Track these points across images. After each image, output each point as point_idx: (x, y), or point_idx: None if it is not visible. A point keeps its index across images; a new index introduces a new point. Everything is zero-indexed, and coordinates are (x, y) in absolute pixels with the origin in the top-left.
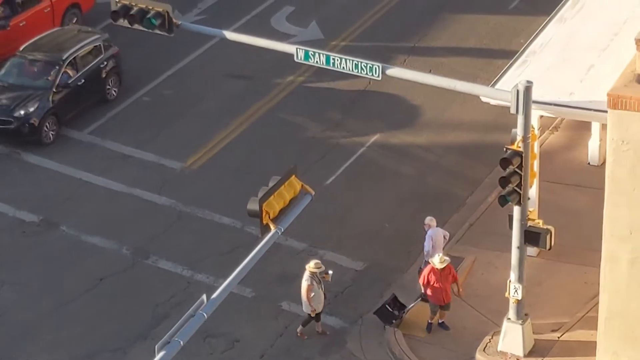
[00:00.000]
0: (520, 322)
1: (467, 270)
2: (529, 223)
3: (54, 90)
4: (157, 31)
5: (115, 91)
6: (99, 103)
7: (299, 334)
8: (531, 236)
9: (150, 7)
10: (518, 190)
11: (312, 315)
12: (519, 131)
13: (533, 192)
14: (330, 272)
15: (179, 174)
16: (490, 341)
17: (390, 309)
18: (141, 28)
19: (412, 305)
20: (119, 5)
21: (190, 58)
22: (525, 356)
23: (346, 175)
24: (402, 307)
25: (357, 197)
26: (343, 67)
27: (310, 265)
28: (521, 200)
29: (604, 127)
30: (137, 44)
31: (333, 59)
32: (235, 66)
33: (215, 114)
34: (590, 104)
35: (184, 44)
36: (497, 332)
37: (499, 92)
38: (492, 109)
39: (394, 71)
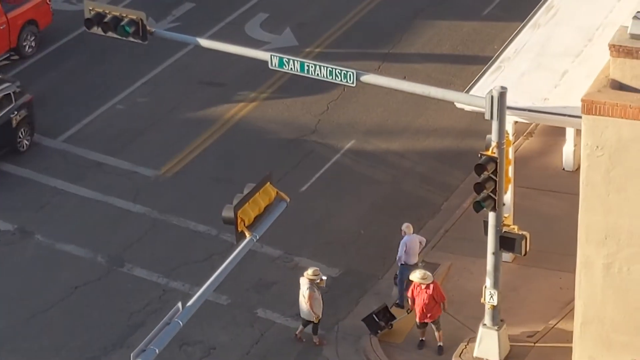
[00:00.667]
0: (496, 327)
1: (442, 277)
2: (504, 229)
3: None
4: (131, 39)
5: (27, 141)
6: (9, 154)
7: (317, 343)
8: (506, 242)
9: (124, 15)
10: (493, 196)
11: (317, 321)
12: (493, 137)
13: (508, 197)
14: (324, 277)
15: (154, 182)
16: (466, 347)
17: (377, 319)
18: (115, 36)
19: (402, 317)
20: (92, 13)
21: (164, 65)
22: None
23: (321, 182)
24: (391, 317)
25: (332, 203)
26: (317, 74)
27: (309, 273)
28: (496, 206)
29: (578, 132)
30: (110, 52)
31: (307, 65)
32: (209, 73)
33: (190, 122)
34: (565, 110)
35: (158, 52)
36: (473, 338)
37: (474, 98)
38: (466, 115)
39: (368, 78)
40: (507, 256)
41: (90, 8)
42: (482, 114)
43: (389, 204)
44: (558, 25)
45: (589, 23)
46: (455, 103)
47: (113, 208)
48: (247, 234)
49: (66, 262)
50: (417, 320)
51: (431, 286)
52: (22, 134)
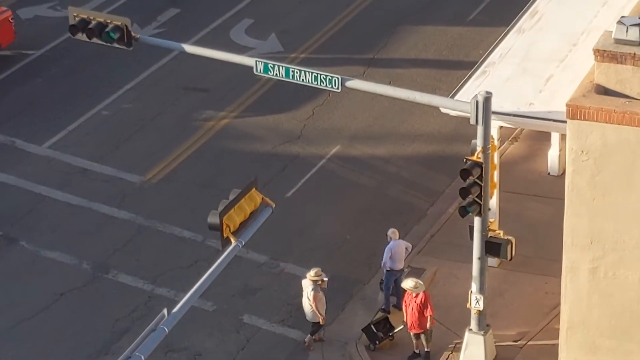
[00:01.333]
0: (482, 332)
1: (428, 282)
2: (490, 234)
3: None
4: (116, 45)
5: None
6: None
7: (306, 343)
8: (492, 247)
9: (109, 21)
10: (478, 201)
11: (322, 322)
12: (478, 142)
13: (493, 202)
14: (326, 278)
15: (139, 188)
16: (451, 354)
17: (374, 330)
18: (100, 42)
19: (400, 328)
20: (77, 19)
21: (149, 71)
22: None
23: (307, 188)
24: (391, 328)
25: (318, 209)
26: (303, 80)
27: (311, 274)
28: (482, 211)
29: (563, 137)
30: (96, 57)
31: (292, 71)
32: (195, 79)
33: (175, 127)
34: (550, 115)
35: (143, 58)
36: (459, 343)
37: (459, 103)
38: (451, 120)
39: (354, 83)
40: (492, 261)
41: (75, 14)
42: (468, 119)
43: (375, 210)
44: (542, 31)
45: (574, 28)
46: (440, 108)
47: (98, 214)
48: (232, 239)
49: (51, 269)
50: (408, 329)
51: (420, 295)
52: None
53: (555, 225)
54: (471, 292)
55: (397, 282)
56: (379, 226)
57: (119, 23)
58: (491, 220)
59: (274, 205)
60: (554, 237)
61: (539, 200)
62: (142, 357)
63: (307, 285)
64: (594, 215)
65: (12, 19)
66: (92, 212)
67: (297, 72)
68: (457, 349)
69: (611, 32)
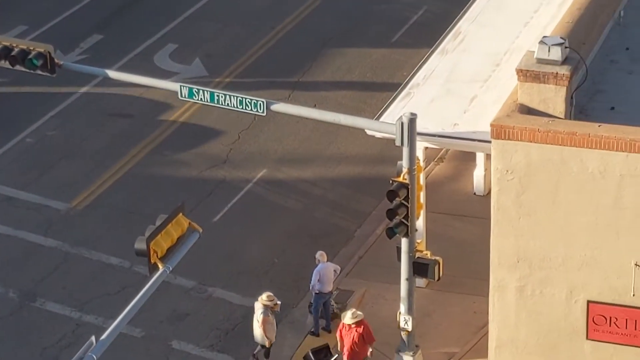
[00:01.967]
0: (411, 353)
1: (357, 303)
2: (417, 254)
3: None
4: (40, 72)
5: None
6: None
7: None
8: (420, 267)
9: (32, 48)
10: (405, 222)
11: (268, 345)
12: (404, 163)
13: (420, 223)
14: (279, 302)
15: (65, 215)
16: None
17: (312, 357)
18: (23, 69)
19: (335, 357)
20: None
21: (73, 98)
22: None
23: (234, 212)
24: (329, 355)
25: (245, 233)
26: (228, 104)
27: (263, 298)
28: (409, 232)
29: (488, 157)
30: (20, 83)
31: (217, 95)
32: (119, 105)
33: (100, 154)
34: (474, 135)
35: (66, 84)
36: None
37: (384, 125)
38: (377, 141)
39: (279, 106)
40: (420, 282)
41: None
42: (393, 140)
43: (302, 232)
44: (466, 52)
45: (496, 49)
46: (365, 130)
47: (24, 242)
48: (160, 265)
49: None
50: (347, 359)
51: (361, 325)
52: None
53: (482, 245)
54: (400, 313)
55: (326, 305)
56: (307, 249)
57: (41, 50)
58: (418, 241)
59: (201, 230)
60: (481, 257)
61: (466, 220)
62: None
63: (258, 308)
64: (520, 234)
65: None
66: (18, 240)
67: (222, 97)
68: None
69: (533, 52)
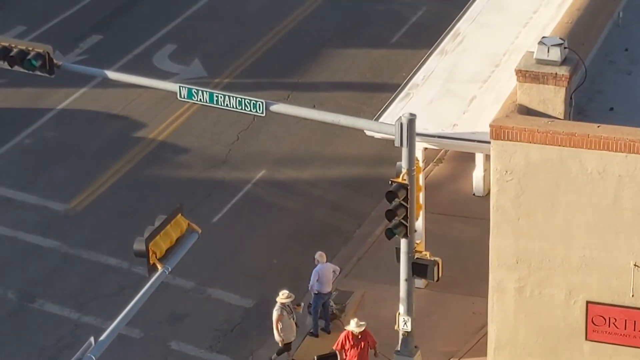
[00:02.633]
0: (410, 354)
1: (356, 304)
2: (416, 255)
3: None
4: (38, 72)
5: None
6: None
7: None
8: (419, 268)
9: (31, 48)
10: (404, 222)
11: (281, 345)
12: (403, 164)
13: (419, 224)
14: (302, 303)
15: (64, 216)
16: None
17: None
18: (22, 70)
19: None
20: None
21: (71, 99)
22: None
23: (233, 213)
24: None
25: (244, 234)
26: (227, 105)
27: (280, 296)
28: (408, 233)
29: (487, 157)
30: (19, 84)
31: (216, 96)
32: (118, 106)
33: (99, 155)
34: (473, 135)
35: (65, 84)
36: None
37: (383, 126)
38: (376, 142)
39: (278, 107)
40: (419, 282)
41: None
42: (392, 141)
43: (301, 233)
44: (465, 52)
45: (496, 49)
46: (365, 131)
47: (23, 243)
48: (159, 266)
49: None
50: None
51: (365, 334)
52: None
53: (481, 246)
54: (399, 313)
55: (325, 306)
56: (306, 250)
57: (40, 50)
58: (417, 241)
59: (200, 231)
60: (480, 258)
61: (465, 220)
62: None
63: (276, 305)
64: (519, 234)
65: None
66: (17, 241)
67: (221, 97)
68: None
69: (533, 52)
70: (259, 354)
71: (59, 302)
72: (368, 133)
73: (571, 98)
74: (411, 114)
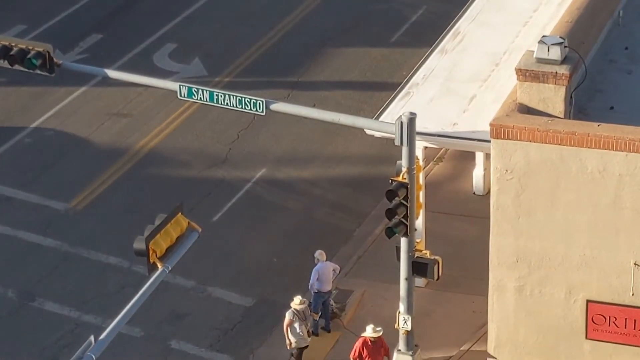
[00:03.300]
0: (410, 353)
1: (356, 303)
2: (416, 254)
3: None
4: (38, 71)
5: None
6: None
7: None
8: (419, 267)
9: (31, 47)
10: (404, 221)
11: (289, 348)
12: (403, 163)
13: (419, 223)
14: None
15: (64, 215)
16: None
17: None
18: (22, 68)
19: None
20: None
21: (71, 97)
22: None
23: (233, 212)
24: None
25: (244, 233)
26: (227, 103)
27: (295, 302)
28: (408, 232)
29: (487, 156)
30: (19, 83)
31: (217, 95)
32: (118, 105)
33: (99, 153)
34: (474, 134)
35: (65, 83)
36: None
37: (383, 125)
38: (376, 141)
39: (278, 106)
40: (420, 281)
41: None
42: (392, 140)
43: (301, 232)
44: (465, 51)
45: (496, 48)
46: (365, 130)
47: (23, 242)
48: (159, 265)
49: None
50: None
51: (379, 342)
52: None
53: (481, 244)
54: (399, 312)
55: (325, 304)
56: (306, 248)
57: (41, 49)
58: (417, 240)
59: (200, 230)
60: (481, 256)
61: (465, 219)
62: None
63: (289, 311)
64: (519, 233)
65: None
66: (17, 240)
67: (221, 96)
68: None
69: (533, 51)
70: (259, 352)
71: (59, 301)
72: (368, 132)
73: (571, 97)
74: (411, 113)
